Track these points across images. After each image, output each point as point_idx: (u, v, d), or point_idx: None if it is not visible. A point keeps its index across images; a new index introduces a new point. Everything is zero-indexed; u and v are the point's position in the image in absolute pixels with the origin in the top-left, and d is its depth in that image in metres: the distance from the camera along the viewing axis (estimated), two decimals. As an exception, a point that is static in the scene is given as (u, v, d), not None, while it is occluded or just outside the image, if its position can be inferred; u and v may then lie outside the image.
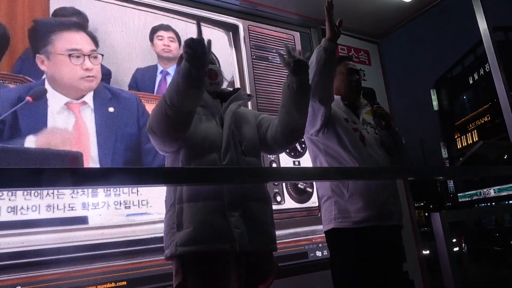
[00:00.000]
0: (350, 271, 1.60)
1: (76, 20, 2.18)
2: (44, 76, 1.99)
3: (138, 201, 2.05)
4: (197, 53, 1.17)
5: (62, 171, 0.72)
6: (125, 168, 0.77)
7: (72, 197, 1.89)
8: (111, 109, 2.15)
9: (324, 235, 1.77)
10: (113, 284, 1.87)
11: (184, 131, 1.30)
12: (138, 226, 2.01)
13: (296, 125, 1.41)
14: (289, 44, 1.41)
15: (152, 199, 2.08)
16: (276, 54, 1.46)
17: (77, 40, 2.15)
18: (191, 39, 1.18)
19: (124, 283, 1.89)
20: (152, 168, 1.28)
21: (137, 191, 2.05)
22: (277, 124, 1.42)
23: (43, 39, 2.04)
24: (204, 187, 1.27)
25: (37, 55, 2.00)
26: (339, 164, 1.69)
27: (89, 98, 2.10)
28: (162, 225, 1.36)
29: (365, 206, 1.62)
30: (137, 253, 1.97)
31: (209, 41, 1.22)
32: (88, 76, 2.12)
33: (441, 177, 1.49)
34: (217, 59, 1.57)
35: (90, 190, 1.92)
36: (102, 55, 2.20)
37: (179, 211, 1.27)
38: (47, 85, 1.99)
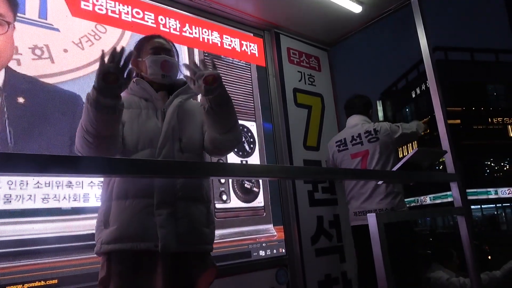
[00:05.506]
0: None
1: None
2: None
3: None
4: (107, 80, 1.07)
5: None
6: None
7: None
8: (20, 100, 1.71)
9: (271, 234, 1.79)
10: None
11: (110, 152, 1.22)
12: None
13: (217, 141, 1.34)
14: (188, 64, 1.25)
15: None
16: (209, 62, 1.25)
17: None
18: (106, 66, 1.06)
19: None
20: (75, 156, 1.19)
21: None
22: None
23: None
24: (134, 185, 1.23)
25: None
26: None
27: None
28: None
29: None
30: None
31: (129, 56, 1.10)
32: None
33: (379, 181, 1.57)
34: (176, 51, 1.53)
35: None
36: (11, 24, 1.72)
37: (107, 209, 1.25)
38: None
